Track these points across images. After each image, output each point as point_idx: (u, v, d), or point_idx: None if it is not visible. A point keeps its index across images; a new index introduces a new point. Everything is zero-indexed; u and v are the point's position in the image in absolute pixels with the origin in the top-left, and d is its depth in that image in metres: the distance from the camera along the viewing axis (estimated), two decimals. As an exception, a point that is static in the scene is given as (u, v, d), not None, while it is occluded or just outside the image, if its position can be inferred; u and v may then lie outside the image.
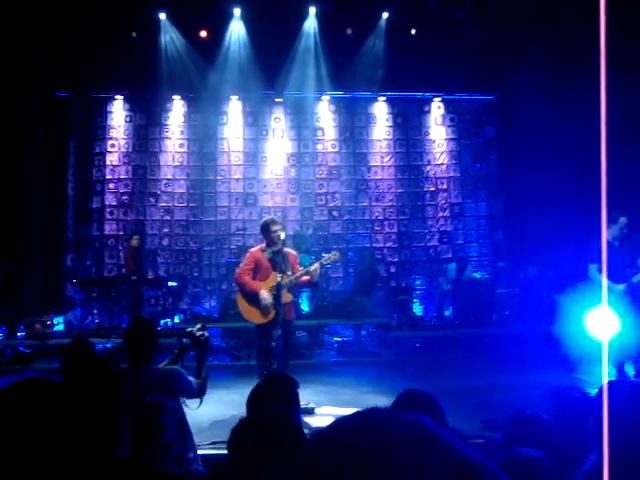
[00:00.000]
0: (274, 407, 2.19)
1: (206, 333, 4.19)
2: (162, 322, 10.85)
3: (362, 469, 0.68)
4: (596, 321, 6.61)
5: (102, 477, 1.87)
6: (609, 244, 7.00)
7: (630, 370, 7.28)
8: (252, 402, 2.66)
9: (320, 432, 0.78)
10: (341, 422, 0.77)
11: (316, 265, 6.43)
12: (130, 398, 2.82)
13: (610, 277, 6.82)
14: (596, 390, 2.50)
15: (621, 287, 6.88)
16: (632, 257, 7.07)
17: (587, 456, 2.11)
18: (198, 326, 4.24)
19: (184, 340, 4.20)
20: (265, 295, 6.34)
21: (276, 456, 1.83)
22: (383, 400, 6.48)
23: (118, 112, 12.82)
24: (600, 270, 6.90)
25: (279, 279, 6.23)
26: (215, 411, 5.59)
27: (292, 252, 6.80)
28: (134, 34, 11.74)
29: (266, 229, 6.53)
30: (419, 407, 2.40)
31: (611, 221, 6.99)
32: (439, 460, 0.68)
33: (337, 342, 10.76)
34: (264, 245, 6.63)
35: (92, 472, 1.89)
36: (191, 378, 3.97)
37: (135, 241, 11.14)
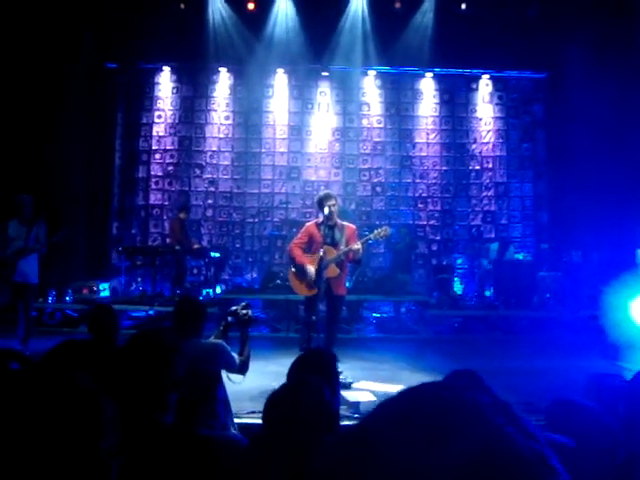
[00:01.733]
0: (308, 379, 2.24)
1: (250, 312, 4.27)
2: (204, 292, 11.02)
3: (409, 465, 0.68)
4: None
5: (145, 443, 1.94)
6: None
7: None
8: (291, 373, 2.73)
9: (364, 423, 0.77)
10: (386, 410, 0.77)
11: (359, 244, 6.43)
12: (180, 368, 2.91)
13: None
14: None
15: None
16: None
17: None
18: (243, 304, 4.32)
19: (229, 318, 4.29)
20: (310, 269, 6.44)
21: (306, 428, 1.88)
22: (420, 377, 6.49)
23: (165, 83, 12.94)
24: None
25: (321, 254, 6.28)
26: (253, 382, 5.69)
27: (350, 226, 6.81)
28: (182, 5, 11.79)
29: (321, 203, 6.60)
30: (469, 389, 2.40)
31: None
32: (498, 452, 0.68)
33: (376, 318, 10.81)
34: (320, 219, 6.69)
35: (133, 437, 1.97)
36: (234, 354, 4.07)
37: (183, 214, 11.29)
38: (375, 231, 6.72)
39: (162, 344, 2.22)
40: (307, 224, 6.92)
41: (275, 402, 2.07)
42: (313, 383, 2.11)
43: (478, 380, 2.48)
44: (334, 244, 6.49)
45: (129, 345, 2.25)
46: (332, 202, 6.52)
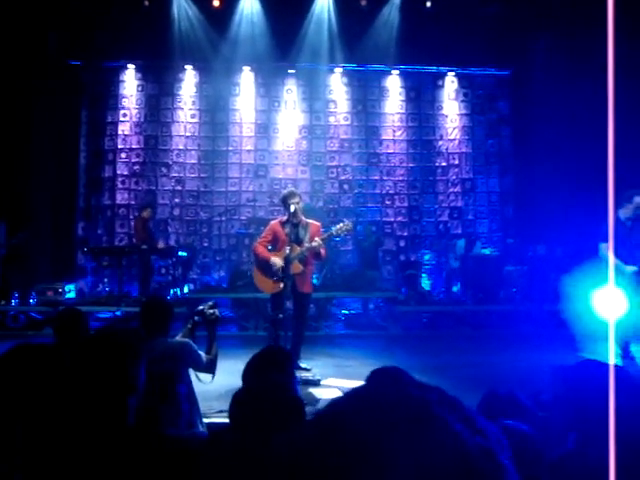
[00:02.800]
0: (271, 377, 2.25)
1: (217, 311, 4.25)
2: (172, 291, 10.95)
3: (361, 454, 0.70)
4: (603, 300, 6.61)
5: (107, 444, 1.92)
6: (621, 224, 6.83)
7: (636, 350, 7.19)
8: (246, 373, 2.74)
9: (321, 413, 0.79)
10: (344, 401, 0.79)
11: (318, 240, 6.45)
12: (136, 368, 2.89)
13: (620, 257, 6.70)
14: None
15: (631, 269, 6.72)
16: None
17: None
18: (210, 304, 4.30)
19: (196, 318, 4.27)
20: (275, 260, 6.46)
21: (274, 424, 1.88)
22: (388, 373, 6.55)
23: (130, 81, 12.81)
24: (618, 252, 6.75)
25: (287, 251, 6.30)
26: (222, 380, 5.66)
27: (315, 223, 6.83)
28: (146, 2, 11.65)
29: (285, 201, 6.61)
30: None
31: (625, 200, 6.81)
32: (442, 448, 0.70)
33: (345, 315, 10.84)
34: (284, 217, 6.71)
35: (96, 439, 1.95)
36: (202, 353, 4.06)
37: (147, 213, 11.19)
38: (336, 226, 6.75)
39: (120, 344, 2.20)
40: (271, 222, 6.93)
41: (241, 400, 2.07)
42: (278, 379, 2.12)
43: (403, 378, 2.48)
44: (298, 242, 6.52)
45: (89, 345, 2.22)
46: (296, 200, 6.54)
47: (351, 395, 0.80)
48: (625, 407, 1.99)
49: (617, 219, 6.88)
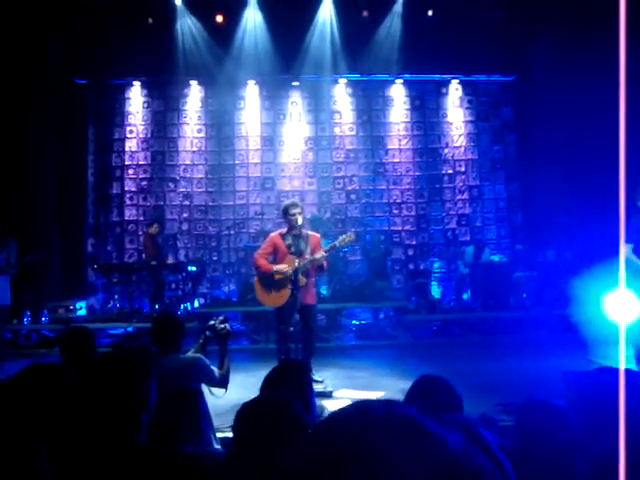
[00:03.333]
0: (276, 393, 2.25)
1: (227, 325, 4.26)
2: (182, 306, 10.98)
3: (351, 468, 0.71)
4: (615, 304, 6.55)
5: (117, 461, 1.94)
6: None
7: None
8: (264, 387, 2.75)
9: (313, 431, 0.81)
10: (333, 418, 0.81)
11: (322, 253, 6.41)
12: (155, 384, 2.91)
13: None
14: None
15: None
16: None
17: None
18: (220, 318, 4.31)
19: (207, 333, 4.29)
20: (281, 266, 6.43)
21: (274, 442, 1.89)
22: (400, 383, 6.54)
23: (136, 98, 12.90)
24: (635, 251, 6.61)
25: (296, 263, 6.28)
26: (233, 394, 5.67)
27: (315, 235, 6.81)
28: (150, 20, 11.76)
29: (285, 212, 6.59)
30: (436, 393, 2.44)
31: None
32: (427, 458, 0.71)
33: (355, 325, 10.83)
34: (285, 229, 6.68)
35: (107, 455, 1.97)
36: (214, 368, 4.07)
37: (154, 229, 11.25)
38: (339, 238, 6.67)
39: (130, 362, 2.22)
40: (271, 234, 6.92)
41: (243, 417, 2.07)
42: (281, 396, 2.12)
43: (446, 386, 2.51)
44: (299, 254, 6.44)
45: (99, 364, 2.24)
46: (297, 210, 6.48)
47: (337, 414, 0.82)
48: (637, 412, 1.99)
49: (638, 220, 6.67)
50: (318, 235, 6.85)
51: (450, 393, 2.50)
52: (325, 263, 6.60)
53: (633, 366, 6.73)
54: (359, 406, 0.82)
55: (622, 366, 2.44)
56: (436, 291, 12.30)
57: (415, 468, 0.70)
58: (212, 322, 4.32)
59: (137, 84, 12.84)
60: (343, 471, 0.71)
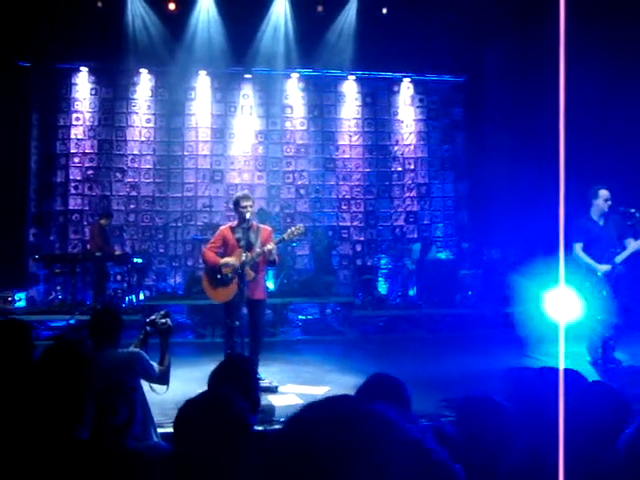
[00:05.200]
0: (219, 390, 2.23)
1: (169, 321, 4.19)
2: (127, 299, 10.79)
3: (322, 468, 0.73)
4: (555, 302, 6.71)
5: (57, 457, 1.88)
6: (594, 223, 6.78)
7: (618, 353, 6.99)
8: (210, 383, 2.72)
9: (282, 430, 0.82)
10: (303, 417, 0.83)
11: (272, 244, 6.34)
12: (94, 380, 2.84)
13: (594, 257, 6.66)
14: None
15: (605, 268, 6.62)
16: (618, 237, 6.73)
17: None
18: (162, 313, 4.25)
19: (148, 328, 4.21)
20: (229, 260, 6.33)
21: (215, 440, 1.86)
22: (345, 378, 6.58)
23: (83, 84, 12.57)
24: (585, 249, 6.76)
25: (244, 257, 6.20)
26: (178, 389, 5.60)
27: (266, 228, 6.72)
28: (99, 3, 11.43)
29: (236, 204, 6.49)
30: (386, 392, 2.44)
31: (592, 197, 6.77)
32: (402, 457, 0.75)
33: (302, 320, 10.83)
34: (235, 222, 6.60)
35: (46, 452, 1.91)
36: (154, 363, 4.00)
37: (105, 221, 11.05)
38: (288, 230, 6.61)
39: (77, 355, 2.15)
40: (221, 227, 6.82)
41: (184, 414, 2.04)
42: (224, 393, 2.09)
43: (397, 386, 2.52)
44: (249, 247, 6.36)
45: (42, 358, 2.17)
46: (249, 203, 6.40)
47: (305, 413, 0.84)
48: (573, 409, 2.04)
49: (589, 218, 6.85)
50: (269, 228, 6.78)
51: (401, 394, 2.51)
52: (277, 257, 6.55)
53: (577, 362, 6.90)
54: (328, 404, 0.84)
55: (562, 364, 2.50)
56: (383, 287, 12.41)
57: (393, 461, 0.74)
58: (153, 317, 4.25)
59: (84, 70, 12.50)
60: (324, 467, 0.73)
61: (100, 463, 2.00)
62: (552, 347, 7.06)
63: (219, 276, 6.40)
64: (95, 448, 2.05)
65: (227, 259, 6.38)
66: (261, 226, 6.70)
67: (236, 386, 2.39)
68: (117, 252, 10.98)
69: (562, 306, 6.28)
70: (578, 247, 6.77)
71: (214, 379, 2.74)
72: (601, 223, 6.84)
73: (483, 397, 2.23)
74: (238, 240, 6.36)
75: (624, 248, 6.72)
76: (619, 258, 6.67)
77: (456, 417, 2.27)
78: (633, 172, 9.11)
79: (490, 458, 1.98)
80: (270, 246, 6.29)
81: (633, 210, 6.59)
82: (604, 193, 6.75)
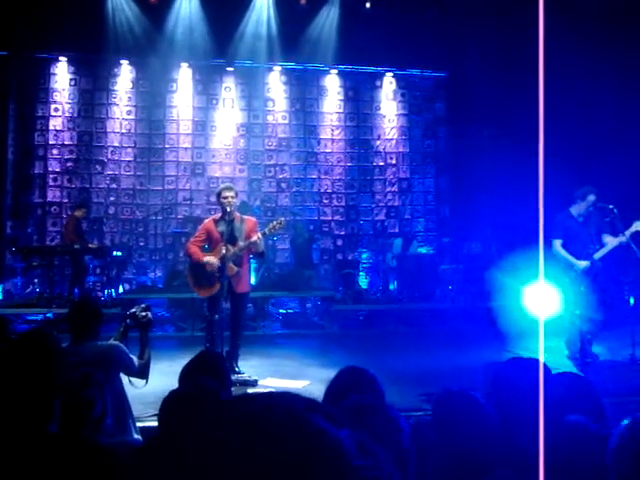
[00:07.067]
0: (201, 381, 2.22)
1: (149, 314, 4.17)
2: (106, 292, 10.71)
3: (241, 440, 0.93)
4: (534, 297, 6.77)
5: (29, 451, 1.85)
6: (573, 219, 6.91)
7: (595, 348, 7.14)
8: (182, 378, 2.72)
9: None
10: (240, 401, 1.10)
11: (258, 236, 6.30)
12: (69, 372, 2.81)
13: (572, 253, 6.77)
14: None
15: (584, 263, 6.75)
16: (596, 234, 6.87)
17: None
18: (142, 306, 4.23)
19: (127, 321, 4.18)
20: (210, 259, 6.29)
21: (199, 428, 1.85)
22: (325, 372, 6.56)
23: (62, 74, 12.41)
24: (564, 246, 6.84)
25: (223, 251, 6.15)
26: (158, 383, 5.56)
27: (251, 219, 6.68)
28: (80, -8, 11.29)
29: (218, 195, 6.45)
30: (358, 385, 2.44)
31: (579, 197, 6.89)
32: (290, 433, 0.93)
33: (282, 314, 10.82)
34: (219, 215, 6.54)
35: (18, 446, 1.88)
36: (133, 357, 3.98)
37: (80, 213, 10.93)
38: (270, 225, 6.55)
39: (45, 347, 2.12)
40: (205, 220, 6.78)
41: (170, 406, 2.02)
42: (209, 386, 2.09)
43: (369, 379, 2.51)
44: (233, 240, 6.33)
45: (9, 350, 2.14)
46: (230, 194, 6.35)
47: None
48: (550, 402, 2.05)
49: (569, 215, 6.98)
50: (254, 219, 6.74)
51: (373, 386, 2.50)
52: (263, 248, 6.52)
53: (560, 355, 6.97)
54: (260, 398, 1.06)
55: (541, 357, 2.52)
56: (363, 282, 12.43)
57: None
58: (133, 310, 4.23)
59: (64, 60, 12.33)
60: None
61: (66, 457, 1.97)
62: (532, 342, 7.13)
63: (202, 271, 6.36)
64: (62, 442, 2.02)
65: (208, 258, 6.33)
66: (245, 217, 6.66)
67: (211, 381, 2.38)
68: (92, 245, 10.86)
69: (541, 301, 6.34)
70: (557, 243, 6.86)
71: (186, 374, 2.74)
72: (580, 220, 6.94)
73: (459, 391, 2.24)
74: (221, 234, 6.30)
75: (602, 244, 6.82)
76: (598, 255, 6.77)
77: (432, 411, 2.27)
78: (614, 168, 9.20)
79: (466, 451, 1.99)
80: (256, 238, 6.24)
81: (611, 206, 6.68)
82: (591, 199, 6.85)
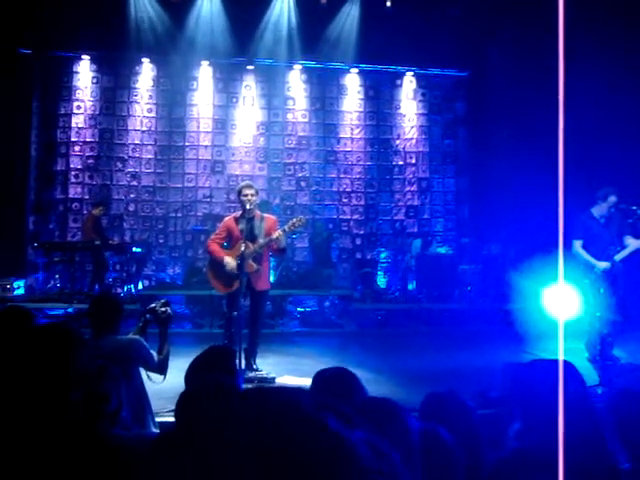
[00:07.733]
0: (216, 376, 2.23)
1: (169, 310, 4.19)
2: (126, 288, 10.79)
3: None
4: (554, 298, 6.72)
5: (45, 440, 1.87)
6: (594, 221, 6.83)
7: (616, 350, 7.04)
8: (189, 373, 2.71)
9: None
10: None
11: (279, 232, 6.32)
12: (88, 365, 2.83)
13: (592, 254, 6.70)
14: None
15: (604, 265, 6.66)
16: (618, 235, 6.79)
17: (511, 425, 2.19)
18: (162, 302, 4.25)
19: (147, 316, 4.21)
20: (228, 260, 6.33)
21: (210, 425, 1.86)
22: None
23: (84, 73, 12.52)
24: (584, 247, 6.78)
25: (242, 248, 6.17)
26: (175, 379, 5.61)
27: (271, 217, 6.71)
28: (102, -8, 11.38)
29: (238, 193, 6.48)
30: (337, 385, 2.37)
31: (600, 198, 6.82)
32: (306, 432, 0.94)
33: (300, 312, 10.84)
34: (239, 213, 6.57)
35: (35, 434, 1.90)
36: (153, 352, 4.00)
37: (98, 211, 11.03)
38: (289, 222, 6.54)
39: (63, 339, 2.14)
40: (225, 218, 6.81)
41: (188, 400, 2.04)
42: (224, 379, 2.10)
43: (348, 379, 2.45)
44: (252, 238, 6.36)
45: (29, 340, 2.17)
46: (250, 192, 6.38)
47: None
48: (571, 404, 2.03)
49: (590, 216, 6.90)
50: (274, 217, 6.77)
51: (350, 386, 2.43)
52: (285, 244, 6.54)
53: (580, 357, 6.89)
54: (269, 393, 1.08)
55: (561, 359, 2.49)
56: (382, 281, 12.40)
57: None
58: (153, 305, 4.25)
59: (86, 58, 12.44)
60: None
61: (78, 447, 1.99)
62: (551, 343, 7.07)
63: (222, 268, 6.39)
64: (75, 433, 2.04)
65: (227, 259, 6.35)
66: (266, 215, 6.68)
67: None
68: (114, 242, 10.96)
69: (561, 303, 6.28)
70: (578, 244, 6.79)
71: (193, 370, 2.74)
72: (602, 221, 6.86)
73: (446, 393, 2.23)
74: (241, 231, 6.33)
75: (623, 246, 6.74)
76: (619, 256, 6.69)
77: (418, 412, 2.25)
78: (634, 169, 9.09)
79: (447, 454, 1.97)
80: (277, 234, 6.26)
81: (635, 207, 6.59)
82: (613, 200, 6.76)
